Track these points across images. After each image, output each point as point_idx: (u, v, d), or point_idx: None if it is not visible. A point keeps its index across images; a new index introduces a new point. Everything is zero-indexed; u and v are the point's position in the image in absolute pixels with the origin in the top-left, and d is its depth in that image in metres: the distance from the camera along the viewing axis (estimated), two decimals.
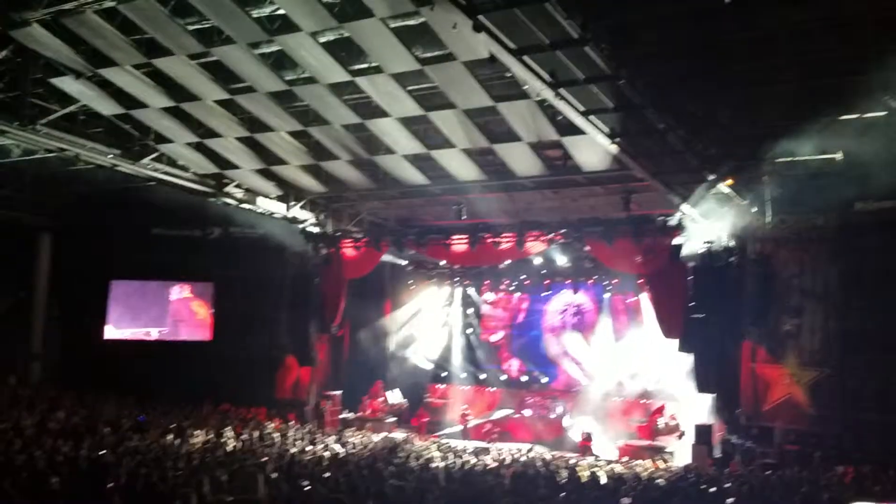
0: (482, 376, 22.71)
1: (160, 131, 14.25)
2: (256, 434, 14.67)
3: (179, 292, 21.73)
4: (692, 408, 17.39)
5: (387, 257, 19.46)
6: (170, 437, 13.08)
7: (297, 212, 18.27)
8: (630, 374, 20.40)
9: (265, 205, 17.70)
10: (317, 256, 18.97)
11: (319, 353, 20.04)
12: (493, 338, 23.30)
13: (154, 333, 21.43)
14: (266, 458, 10.70)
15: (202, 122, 13.75)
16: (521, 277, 21.77)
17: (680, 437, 17.35)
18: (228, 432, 14.30)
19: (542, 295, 22.22)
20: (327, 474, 9.15)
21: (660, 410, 18.36)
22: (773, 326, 15.75)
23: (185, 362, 19.81)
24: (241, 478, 6.33)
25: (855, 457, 13.50)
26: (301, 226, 18.68)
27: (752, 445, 15.26)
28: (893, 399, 14.30)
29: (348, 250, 18.68)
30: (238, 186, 16.92)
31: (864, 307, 14.74)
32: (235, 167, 15.79)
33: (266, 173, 16.29)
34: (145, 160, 14.78)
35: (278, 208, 17.94)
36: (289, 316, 19.87)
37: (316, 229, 18.82)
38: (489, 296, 23.33)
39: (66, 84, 12.25)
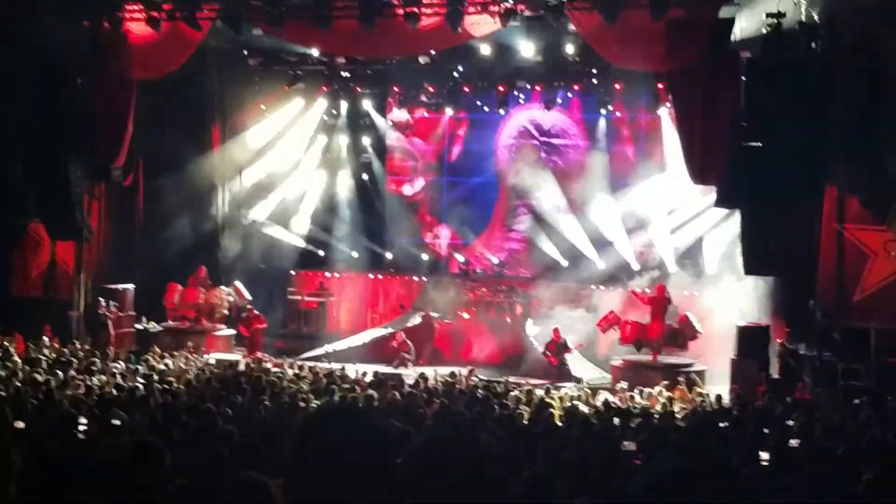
0: (388, 255, 19.87)
1: None
2: None
3: None
4: (734, 300, 15.81)
5: (213, 43, 16.81)
6: None
7: None
8: (638, 250, 17.89)
9: None
10: (79, 38, 15.76)
11: (91, 217, 17.06)
12: (408, 189, 20.27)
13: None
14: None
15: None
16: (455, 82, 18.48)
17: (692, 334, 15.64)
18: None
19: (492, 113, 19.01)
20: (115, 420, 7.82)
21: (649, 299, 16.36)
22: (880, 164, 13.61)
23: None
24: None
25: None
26: None
27: (833, 358, 13.93)
28: None
29: (137, 27, 15.84)
30: None
31: None
32: None
33: None
34: None
35: None
36: (30, 148, 16.18)
37: None
38: (399, 114, 19.98)
39: None
